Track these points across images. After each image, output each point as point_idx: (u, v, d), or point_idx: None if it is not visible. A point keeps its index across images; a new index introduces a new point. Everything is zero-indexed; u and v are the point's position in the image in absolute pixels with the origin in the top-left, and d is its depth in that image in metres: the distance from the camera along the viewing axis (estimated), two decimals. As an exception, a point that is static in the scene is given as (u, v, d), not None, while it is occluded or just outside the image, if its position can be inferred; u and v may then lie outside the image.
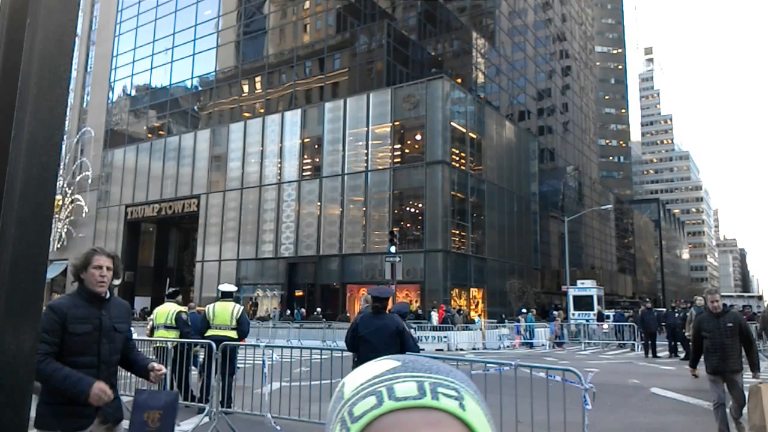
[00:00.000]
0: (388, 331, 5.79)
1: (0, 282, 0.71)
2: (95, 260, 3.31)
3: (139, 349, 10.76)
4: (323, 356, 9.45)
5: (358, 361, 5.76)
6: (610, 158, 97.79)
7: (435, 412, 0.60)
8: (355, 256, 36.79)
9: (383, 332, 5.78)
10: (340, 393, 0.66)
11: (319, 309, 34.63)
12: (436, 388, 0.62)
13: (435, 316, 27.05)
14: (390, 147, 37.15)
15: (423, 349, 13.07)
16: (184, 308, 10.17)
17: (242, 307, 9.33)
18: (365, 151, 37.74)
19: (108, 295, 3.41)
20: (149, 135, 52.05)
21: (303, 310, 35.41)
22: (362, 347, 5.74)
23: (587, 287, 35.69)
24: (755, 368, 6.80)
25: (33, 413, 2.86)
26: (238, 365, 9.41)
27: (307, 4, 45.63)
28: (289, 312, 35.09)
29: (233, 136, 44.14)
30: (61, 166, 46.65)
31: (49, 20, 0.76)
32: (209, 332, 8.78)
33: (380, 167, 37.06)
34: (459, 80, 42.61)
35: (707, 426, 7.52)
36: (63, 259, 51.77)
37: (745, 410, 6.50)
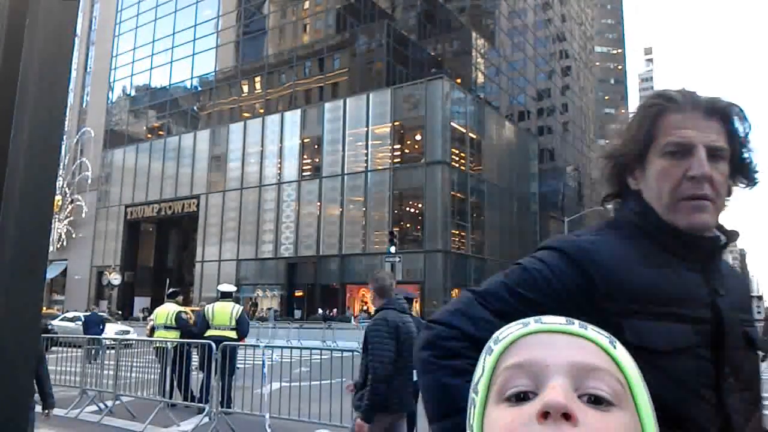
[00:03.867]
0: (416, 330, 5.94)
1: None
2: (674, 128, 1.11)
3: (138, 349, 10.54)
4: (323, 356, 9.46)
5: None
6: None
7: (581, 339, 0.59)
8: (355, 256, 36.79)
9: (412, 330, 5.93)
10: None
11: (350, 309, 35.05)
12: (587, 325, 0.61)
13: None
14: (390, 147, 37.17)
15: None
16: (185, 308, 10.19)
17: (241, 308, 9.33)
18: (365, 152, 37.75)
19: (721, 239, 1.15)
20: (149, 135, 52.06)
21: (334, 310, 35.37)
22: None
23: (587, 287, 35.71)
24: None
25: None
26: (238, 365, 9.41)
27: (306, 4, 45.63)
28: (321, 311, 34.77)
29: (233, 137, 44.15)
30: (61, 167, 46.70)
31: (49, 20, 0.76)
32: (209, 332, 8.78)
33: (380, 167, 37.07)
34: (459, 80, 42.62)
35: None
36: (63, 259, 51.81)
37: None
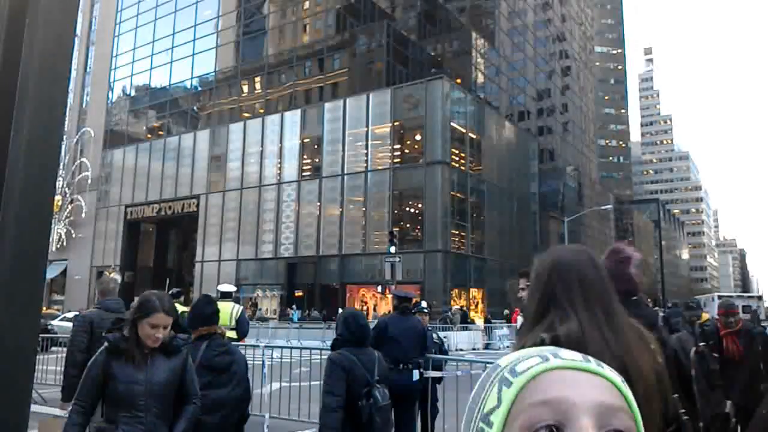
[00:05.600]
0: (416, 331, 5.95)
1: (-1, 282, 0.72)
2: None
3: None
4: (323, 356, 9.44)
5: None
6: (610, 158, 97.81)
7: (600, 378, 0.61)
8: (355, 256, 36.78)
9: (412, 332, 5.91)
10: (493, 366, 0.65)
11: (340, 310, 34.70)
12: (602, 363, 0.64)
13: (520, 320, 26.59)
14: (390, 147, 37.16)
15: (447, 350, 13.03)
16: (187, 309, 10.13)
17: (241, 307, 9.31)
18: (365, 152, 37.74)
19: None
20: (149, 135, 52.05)
21: (324, 311, 34.85)
22: (386, 346, 5.75)
23: (587, 287, 35.65)
24: None
25: None
26: (238, 365, 9.39)
27: (306, 4, 45.63)
28: (332, 313, 34.18)
29: (233, 137, 44.14)
30: (61, 167, 46.66)
31: (49, 20, 0.76)
32: (209, 332, 8.79)
33: (380, 167, 37.06)
34: (459, 80, 42.60)
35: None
36: (62, 259, 51.78)
37: None
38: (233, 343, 8.58)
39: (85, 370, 2.90)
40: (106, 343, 2.96)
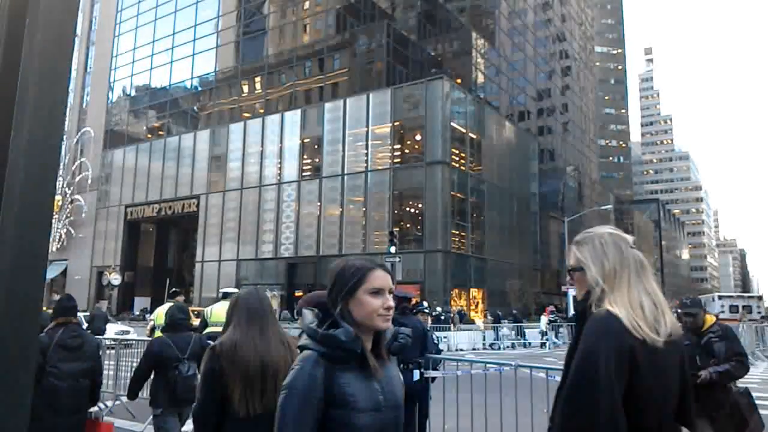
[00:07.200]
0: (417, 331, 5.90)
1: None
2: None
3: (138, 350, 10.69)
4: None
5: None
6: (610, 158, 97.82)
7: None
8: (355, 256, 36.74)
9: (412, 332, 5.87)
10: None
11: None
12: None
13: (544, 320, 25.55)
14: (390, 147, 37.16)
15: (442, 350, 13.08)
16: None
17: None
18: (365, 152, 37.74)
19: None
20: (149, 135, 52.05)
21: None
22: None
23: (587, 287, 35.63)
24: None
25: None
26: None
27: (306, 5, 45.63)
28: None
29: (233, 137, 44.14)
30: (61, 167, 46.62)
31: (49, 20, 0.77)
32: (206, 330, 8.80)
33: (380, 167, 37.06)
34: (459, 80, 42.61)
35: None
36: (62, 259, 51.79)
37: None
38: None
39: (295, 397, 1.59)
40: (317, 346, 1.64)
